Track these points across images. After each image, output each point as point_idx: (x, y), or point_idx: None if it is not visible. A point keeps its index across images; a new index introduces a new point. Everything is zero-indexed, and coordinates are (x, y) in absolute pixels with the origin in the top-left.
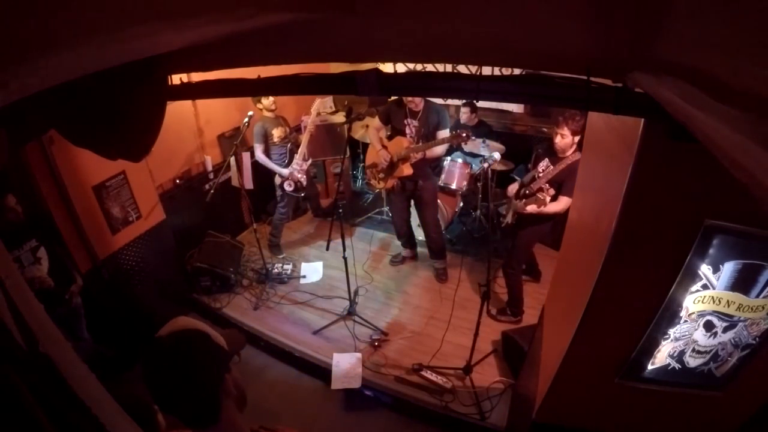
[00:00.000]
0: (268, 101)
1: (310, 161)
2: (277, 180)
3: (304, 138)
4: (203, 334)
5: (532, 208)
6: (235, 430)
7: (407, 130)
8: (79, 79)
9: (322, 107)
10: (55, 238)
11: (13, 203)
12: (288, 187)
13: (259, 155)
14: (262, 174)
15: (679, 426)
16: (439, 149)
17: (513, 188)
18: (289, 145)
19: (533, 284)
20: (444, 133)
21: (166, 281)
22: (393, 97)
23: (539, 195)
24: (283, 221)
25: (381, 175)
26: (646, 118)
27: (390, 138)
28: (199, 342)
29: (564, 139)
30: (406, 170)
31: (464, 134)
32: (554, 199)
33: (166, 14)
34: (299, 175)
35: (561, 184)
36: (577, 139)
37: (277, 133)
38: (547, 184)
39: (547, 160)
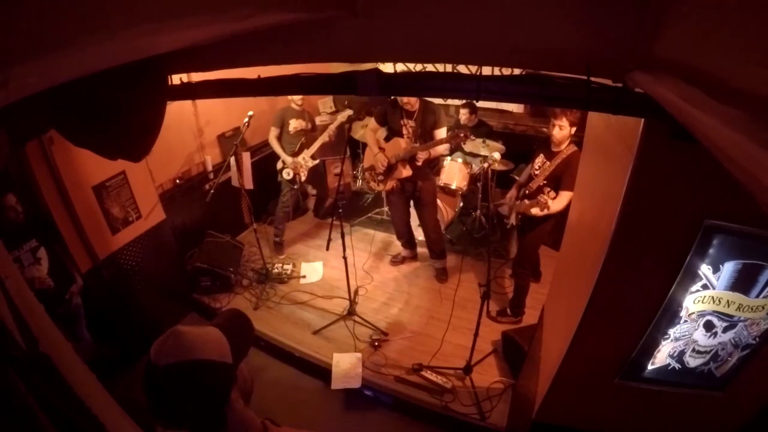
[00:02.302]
0: (299, 102)
1: (317, 161)
2: (279, 165)
3: (319, 140)
4: (207, 365)
5: (536, 211)
6: (245, 429)
7: (404, 131)
8: (79, 79)
9: (343, 118)
10: (55, 238)
11: (13, 202)
12: (286, 175)
13: (271, 138)
14: (262, 174)
15: (679, 426)
16: (441, 148)
17: (512, 195)
18: (303, 139)
19: (533, 284)
20: (441, 132)
21: (166, 281)
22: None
23: (541, 198)
24: (284, 212)
25: (380, 178)
26: (646, 118)
27: (387, 139)
28: (204, 376)
29: (562, 130)
30: (405, 172)
31: (462, 134)
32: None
33: (166, 14)
34: (301, 170)
35: (559, 179)
36: (573, 130)
37: (293, 124)
38: (546, 181)
39: (542, 155)
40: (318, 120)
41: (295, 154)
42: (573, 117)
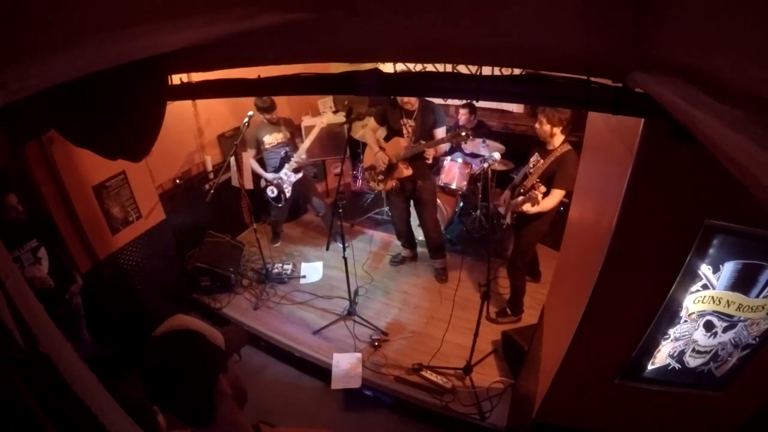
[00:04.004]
0: (270, 116)
1: (301, 174)
2: (262, 183)
3: (301, 148)
4: (197, 335)
5: (527, 207)
6: (234, 430)
7: (404, 131)
8: (79, 79)
9: (327, 118)
10: (55, 238)
11: (14, 202)
12: (270, 194)
13: (248, 162)
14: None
15: (679, 426)
16: (442, 147)
17: (506, 195)
18: (283, 151)
19: (533, 284)
20: (441, 132)
21: (166, 281)
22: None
23: (531, 193)
24: (276, 220)
25: (380, 177)
26: (646, 118)
27: (387, 139)
28: (192, 342)
29: (542, 126)
30: (405, 171)
31: (464, 133)
32: (547, 194)
33: (166, 14)
34: (285, 186)
35: (552, 177)
36: (556, 130)
37: (267, 140)
38: (539, 179)
39: (537, 153)
40: (316, 120)
41: (277, 170)
42: (550, 114)
